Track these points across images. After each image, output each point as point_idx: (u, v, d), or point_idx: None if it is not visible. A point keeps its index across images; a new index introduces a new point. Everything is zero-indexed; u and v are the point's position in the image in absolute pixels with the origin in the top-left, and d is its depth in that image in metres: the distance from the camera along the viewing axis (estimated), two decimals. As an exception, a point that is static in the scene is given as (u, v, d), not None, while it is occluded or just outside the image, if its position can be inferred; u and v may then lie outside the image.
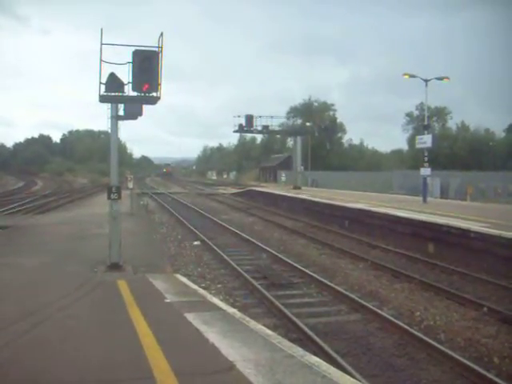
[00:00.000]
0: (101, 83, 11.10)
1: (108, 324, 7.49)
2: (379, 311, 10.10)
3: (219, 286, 12.50)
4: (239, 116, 42.86)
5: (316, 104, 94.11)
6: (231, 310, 8.45)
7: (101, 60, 10.82)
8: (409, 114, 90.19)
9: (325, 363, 5.95)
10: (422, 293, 11.99)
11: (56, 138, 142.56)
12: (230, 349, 6.22)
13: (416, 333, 8.86)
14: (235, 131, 44.91)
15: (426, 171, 27.02)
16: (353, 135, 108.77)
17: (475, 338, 8.90)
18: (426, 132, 28.40)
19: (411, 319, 10.01)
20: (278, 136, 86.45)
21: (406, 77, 28.44)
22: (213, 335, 6.77)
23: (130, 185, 27.47)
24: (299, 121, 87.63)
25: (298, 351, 6.25)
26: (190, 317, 7.73)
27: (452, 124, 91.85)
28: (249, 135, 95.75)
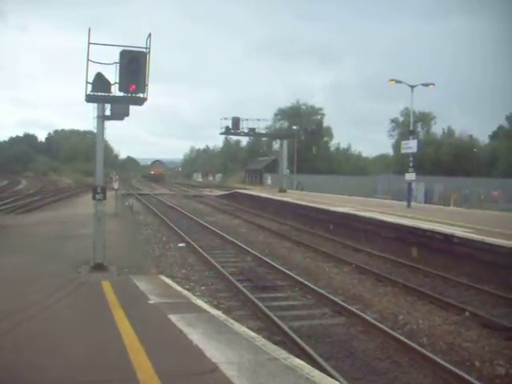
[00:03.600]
0: (87, 83, 11.07)
1: (91, 324, 7.47)
2: (363, 315, 10.15)
3: (203, 288, 12.49)
4: (226, 118, 42.86)
5: (304, 107, 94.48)
6: (215, 312, 8.47)
7: (88, 59, 10.79)
8: (394, 120, 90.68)
9: (308, 366, 5.98)
10: (405, 297, 12.07)
11: (41, 137, 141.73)
12: (213, 351, 6.23)
13: (399, 336, 8.92)
14: (222, 133, 44.92)
15: (410, 176, 27.20)
16: (339, 139, 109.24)
17: (457, 342, 8.98)
18: (411, 137, 28.63)
19: (394, 323, 10.06)
20: (265, 139, 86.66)
21: (392, 82, 28.64)
22: (197, 337, 6.78)
23: (116, 185, 27.35)
24: (286, 124, 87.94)
25: (281, 354, 6.28)
26: (174, 318, 7.73)
27: (437, 130, 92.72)
28: (235, 137, 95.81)
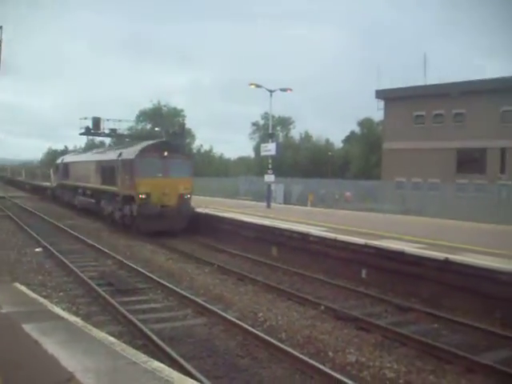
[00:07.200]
0: None
1: None
2: (224, 314, 10.32)
3: (61, 294, 12.01)
4: (86, 118, 41.34)
5: (165, 109, 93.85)
6: (73, 319, 8.16)
7: None
8: (255, 123, 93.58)
9: (168, 368, 5.95)
10: (265, 294, 12.46)
11: None
12: (70, 359, 6.00)
13: (258, 333, 9.19)
14: (82, 134, 43.28)
15: (269, 178, 27.99)
16: (201, 141, 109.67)
17: (313, 335, 9.45)
18: (270, 140, 29.53)
19: (254, 320, 10.35)
20: (127, 140, 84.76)
21: (253, 86, 29.30)
22: (52, 346, 6.49)
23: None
24: (149, 125, 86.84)
25: (141, 357, 6.20)
26: (28, 328, 7.33)
27: (295, 133, 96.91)
28: (98, 138, 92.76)
